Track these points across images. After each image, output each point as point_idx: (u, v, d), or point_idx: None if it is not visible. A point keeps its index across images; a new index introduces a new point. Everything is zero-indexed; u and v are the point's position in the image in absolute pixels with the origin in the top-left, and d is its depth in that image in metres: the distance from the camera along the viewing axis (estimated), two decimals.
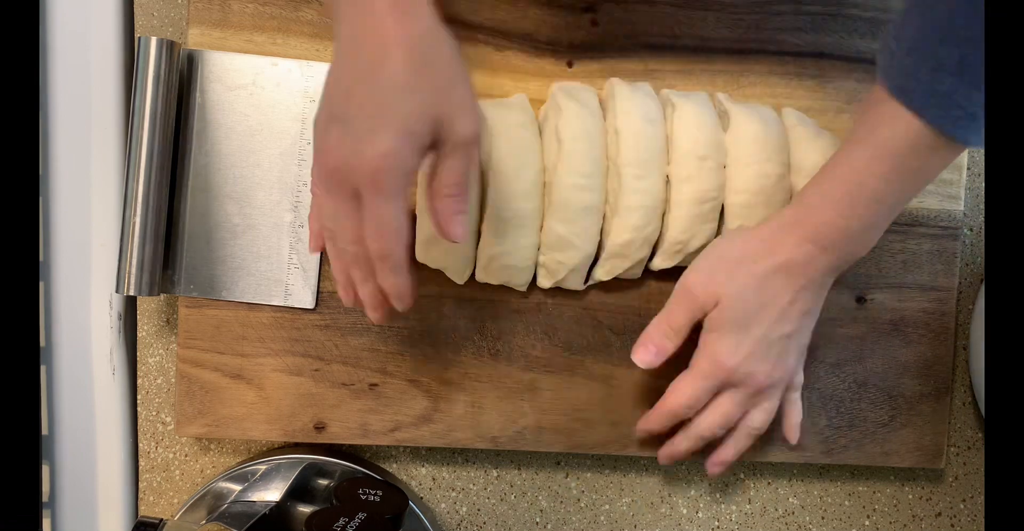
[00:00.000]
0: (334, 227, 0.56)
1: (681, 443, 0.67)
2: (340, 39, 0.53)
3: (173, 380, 0.72)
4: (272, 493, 0.68)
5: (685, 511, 0.75)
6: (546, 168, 0.65)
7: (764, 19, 0.70)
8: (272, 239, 0.68)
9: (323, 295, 0.69)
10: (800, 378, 0.67)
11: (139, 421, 0.72)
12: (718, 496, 0.75)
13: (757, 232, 0.62)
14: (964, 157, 0.71)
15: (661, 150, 0.65)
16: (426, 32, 0.52)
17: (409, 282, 0.57)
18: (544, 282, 0.67)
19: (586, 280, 0.68)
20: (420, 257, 0.66)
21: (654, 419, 0.67)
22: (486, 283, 0.68)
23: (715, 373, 0.63)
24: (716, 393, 0.64)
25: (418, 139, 0.52)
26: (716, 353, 0.63)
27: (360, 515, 0.61)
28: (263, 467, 0.69)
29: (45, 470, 0.71)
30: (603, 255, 0.67)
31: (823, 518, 0.76)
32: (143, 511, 0.73)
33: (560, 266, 0.66)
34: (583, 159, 0.64)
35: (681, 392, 0.64)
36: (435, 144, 0.54)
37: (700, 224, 0.66)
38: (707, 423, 0.65)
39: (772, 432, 0.71)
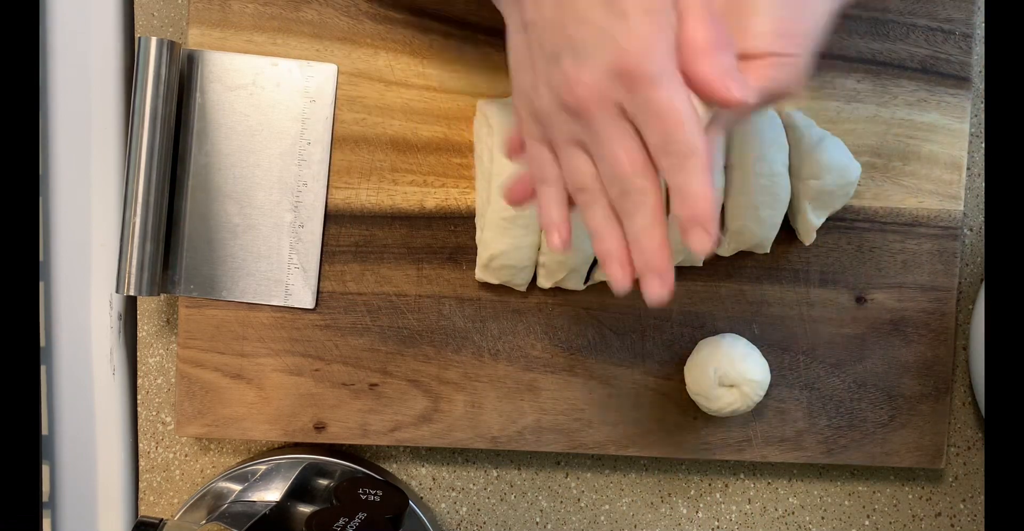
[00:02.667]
0: (603, 156, 0.45)
1: None
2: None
3: (173, 380, 0.72)
4: (272, 493, 0.68)
5: (685, 511, 0.75)
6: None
7: None
8: (272, 239, 0.68)
9: (323, 295, 0.69)
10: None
11: (139, 421, 0.72)
12: (718, 496, 0.75)
13: None
14: (964, 157, 0.71)
15: None
16: None
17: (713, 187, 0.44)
18: (544, 282, 0.67)
19: (586, 280, 0.68)
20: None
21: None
22: (486, 283, 0.68)
23: None
24: None
25: (663, 6, 0.44)
26: None
27: (360, 515, 0.61)
28: (263, 467, 0.69)
29: (45, 470, 0.71)
30: None
31: (823, 518, 0.76)
32: (143, 511, 0.73)
33: (560, 266, 0.66)
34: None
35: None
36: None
37: None
38: None
39: (773, 431, 0.71)
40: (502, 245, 0.65)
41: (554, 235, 0.50)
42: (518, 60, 0.49)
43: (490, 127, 0.65)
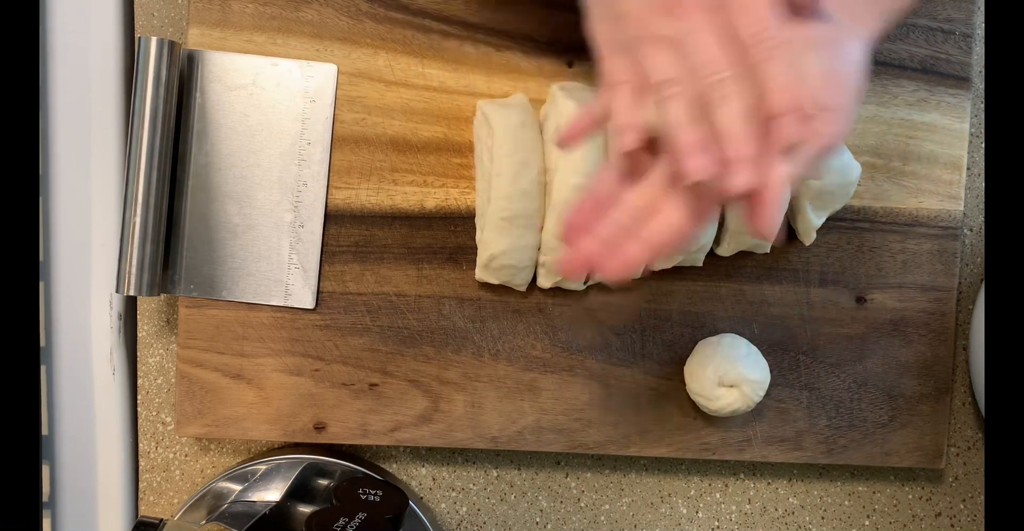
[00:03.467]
0: (696, 48, 0.45)
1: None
2: None
3: (173, 380, 0.72)
4: (272, 493, 0.68)
5: (685, 511, 0.75)
6: (547, 168, 0.65)
7: None
8: (272, 239, 0.68)
9: (323, 295, 0.69)
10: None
11: (139, 421, 0.72)
12: (718, 496, 0.75)
13: None
14: (964, 157, 0.71)
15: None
16: None
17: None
18: (544, 282, 0.67)
19: (586, 280, 0.68)
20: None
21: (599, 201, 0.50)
22: (486, 283, 0.68)
23: None
24: None
25: None
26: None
27: (360, 515, 0.61)
28: (263, 467, 0.69)
29: (45, 470, 0.71)
30: None
31: (823, 518, 0.76)
32: (143, 511, 0.73)
33: None
34: (584, 159, 0.64)
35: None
36: None
37: None
38: None
39: (773, 431, 0.71)
40: (502, 245, 0.65)
41: (628, 135, 0.48)
42: None
43: (490, 127, 0.64)
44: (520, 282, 0.67)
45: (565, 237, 0.51)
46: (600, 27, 0.50)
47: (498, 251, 0.65)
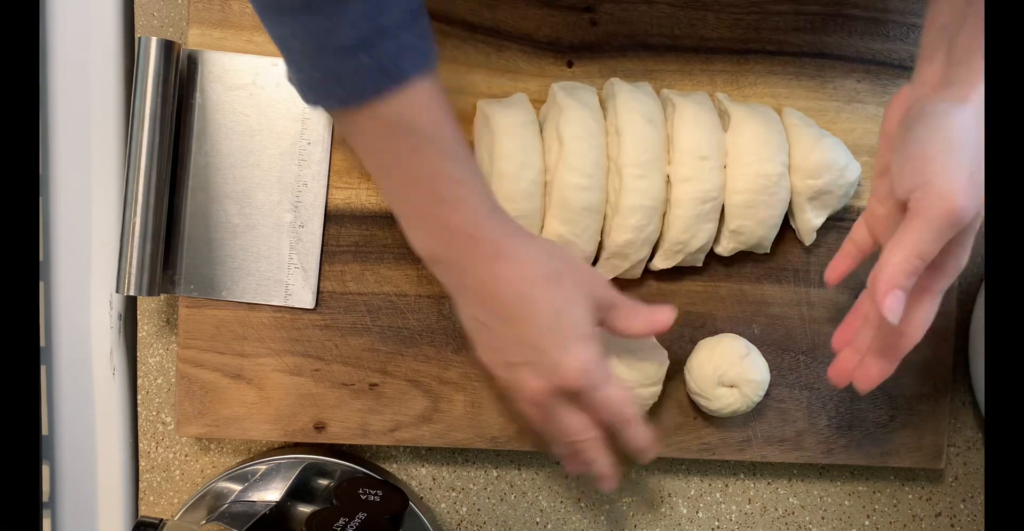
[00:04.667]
0: (568, 429, 0.59)
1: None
2: (467, 290, 0.58)
3: (173, 380, 0.72)
4: (272, 493, 0.68)
5: (685, 511, 0.75)
6: (547, 167, 0.65)
7: (764, 19, 0.70)
8: (272, 239, 0.68)
9: (323, 295, 0.69)
10: None
11: (139, 421, 0.72)
12: (718, 496, 0.75)
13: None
14: None
15: (662, 150, 0.65)
16: (538, 249, 0.57)
17: (650, 432, 0.61)
18: None
19: None
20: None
21: (855, 319, 0.63)
22: None
23: (945, 216, 0.52)
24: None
25: (593, 330, 0.58)
26: (946, 190, 0.51)
27: (360, 515, 0.61)
28: (263, 467, 0.69)
29: (45, 470, 0.71)
30: (603, 255, 0.67)
31: (823, 518, 0.76)
32: (143, 511, 0.73)
33: None
34: (584, 158, 0.64)
35: (907, 250, 0.53)
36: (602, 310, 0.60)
37: (700, 224, 0.66)
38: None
39: (773, 431, 0.71)
40: None
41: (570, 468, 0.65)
42: (475, 336, 0.60)
43: (490, 128, 0.64)
44: None
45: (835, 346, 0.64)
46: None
47: None
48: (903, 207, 0.54)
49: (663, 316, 0.60)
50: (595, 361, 0.57)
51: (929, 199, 0.51)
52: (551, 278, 0.57)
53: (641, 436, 0.60)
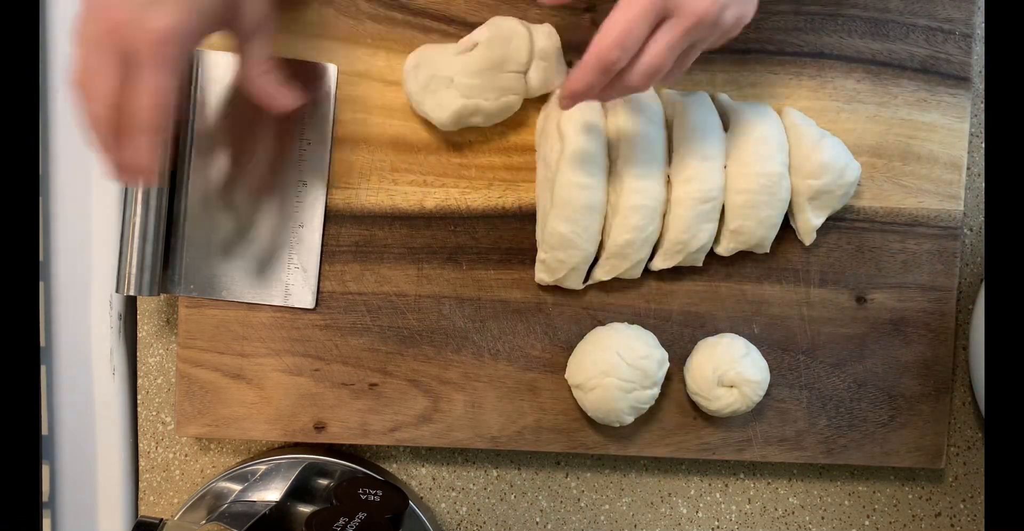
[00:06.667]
0: (93, 87, 0.52)
1: (606, 91, 0.58)
2: None
3: (173, 380, 0.72)
4: (272, 493, 0.68)
5: (685, 511, 0.75)
6: (548, 166, 0.65)
7: (764, 19, 0.70)
8: (272, 239, 0.68)
9: (323, 295, 0.69)
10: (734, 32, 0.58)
11: (139, 421, 0.72)
12: (718, 496, 0.75)
13: None
14: (964, 157, 0.71)
15: (662, 150, 0.65)
16: None
17: (158, 159, 0.55)
18: (543, 277, 0.67)
19: (585, 280, 0.68)
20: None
21: (581, 74, 0.56)
22: (486, 283, 0.68)
23: None
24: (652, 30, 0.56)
25: (206, 17, 0.53)
26: None
27: (360, 515, 0.61)
28: (263, 467, 0.69)
29: (45, 470, 0.71)
30: (603, 255, 0.67)
31: (823, 518, 0.76)
32: (143, 511, 0.73)
33: (560, 265, 0.66)
34: (585, 158, 0.64)
35: (614, 24, 0.54)
36: (228, 23, 0.55)
37: (701, 224, 0.66)
38: (643, 66, 0.56)
39: (773, 431, 0.71)
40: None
41: (97, 147, 0.55)
42: None
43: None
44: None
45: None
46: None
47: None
48: None
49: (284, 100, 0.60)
50: (184, 37, 0.52)
51: None
52: None
53: (146, 154, 0.53)
